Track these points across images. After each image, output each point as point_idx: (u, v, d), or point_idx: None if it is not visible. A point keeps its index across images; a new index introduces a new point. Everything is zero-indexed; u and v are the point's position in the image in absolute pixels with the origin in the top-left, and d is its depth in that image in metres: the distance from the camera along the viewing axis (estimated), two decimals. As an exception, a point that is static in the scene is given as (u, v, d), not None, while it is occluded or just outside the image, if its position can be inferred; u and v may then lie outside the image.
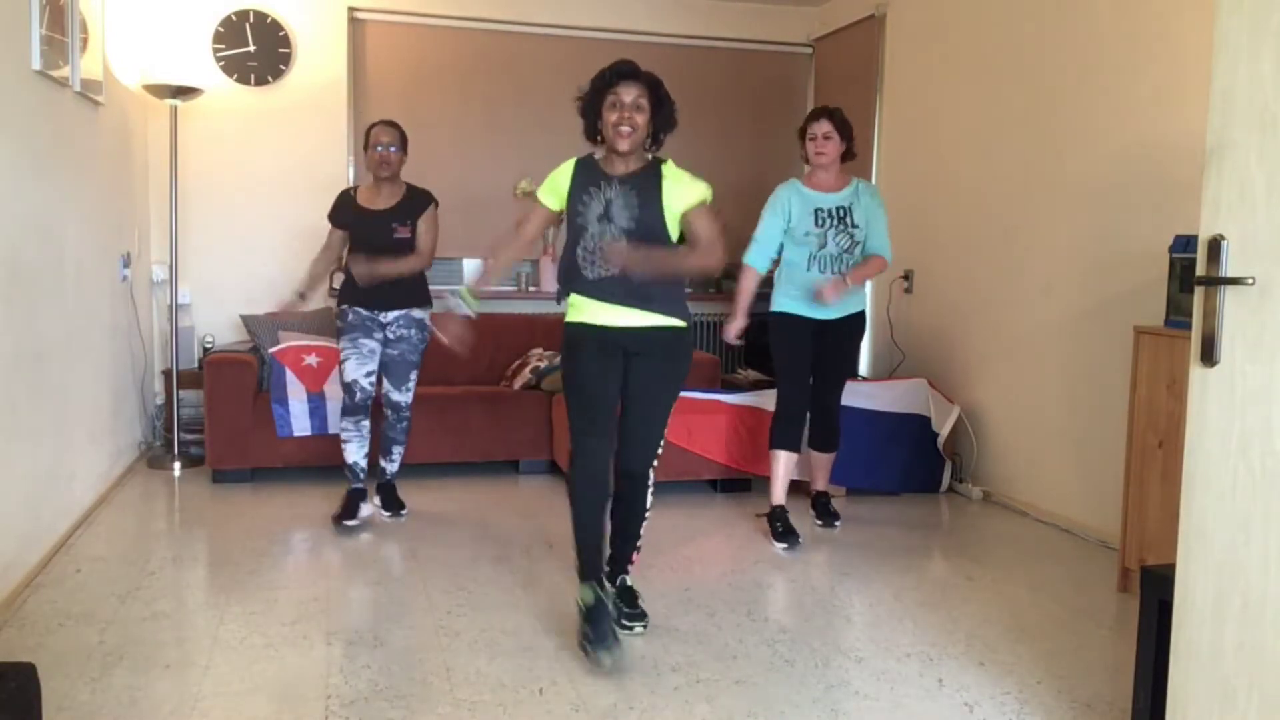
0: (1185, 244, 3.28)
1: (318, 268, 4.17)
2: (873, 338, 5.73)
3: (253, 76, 5.53)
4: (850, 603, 3.34)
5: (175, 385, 5.18)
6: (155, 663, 2.73)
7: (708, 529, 4.21)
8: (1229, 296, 1.87)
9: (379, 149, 4.02)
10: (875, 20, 5.67)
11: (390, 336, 4.11)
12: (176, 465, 4.96)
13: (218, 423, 4.65)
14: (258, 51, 5.52)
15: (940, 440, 4.78)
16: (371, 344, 4.09)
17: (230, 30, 5.47)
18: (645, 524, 3.14)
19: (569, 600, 3.29)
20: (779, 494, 4.15)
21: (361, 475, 4.15)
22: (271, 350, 4.85)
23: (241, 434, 4.67)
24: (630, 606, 3.08)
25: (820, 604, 3.32)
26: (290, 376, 4.76)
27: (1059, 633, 3.12)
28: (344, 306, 4.12)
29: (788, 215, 4.07)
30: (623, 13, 6.07)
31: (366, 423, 4.11)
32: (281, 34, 5.54)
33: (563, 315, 3.10)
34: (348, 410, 4.10)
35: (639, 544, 3.16)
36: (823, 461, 4.31)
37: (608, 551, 3.09)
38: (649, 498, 3.10)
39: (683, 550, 3.89)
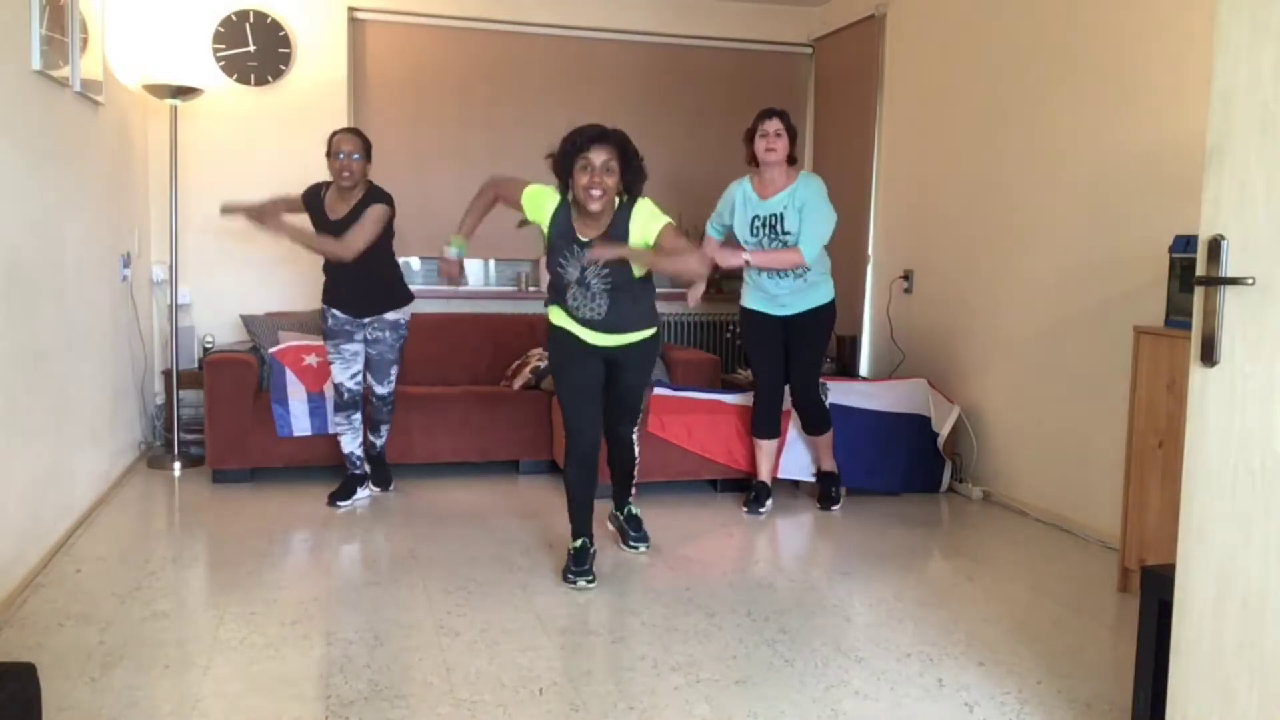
0: (1185, 244, 3.28)
1: (272, 204, 4.24)
2: (873, 338, 5.73)
3: (253, 76, 5.53)
4: (850, 603, 3.35)
5: (175, 385, 5.18)
6: (155, 663, 2.73)
7: (708, 529, 4.21)
8: (1229, 296, 1.87)
9: (340, 157, 4.10)
10: (875, 20, 5.67)
11: (368, 338, 4.36)
12: (176, 465, 4.96)
13: (218, 423, 4.65)
14: (258, 51, 5.52)
15: (940, 440, 4.78)
16: (353, 347, 4.35)
17: (230, 30, 5.47)
18: (636, 465, 3.79)
19: (569, 600, 3.30)
20: (762, 472, 4.52)
21: (359, 464, 4.48)
22: (271, 350, 4.85)
23: (241, 434, 4.67)
24: (635, 530, 3.77)
25: (820, 604, 3.32)
26: (290, 376, 4.76)
27: (1059, 633, 3.12)
28: (324, 307, 4.35)
29: (731, 206, 4.33)
30: (623, 13, 6.07)
31: (357, 415, 4.43)
32: (281, 34, 5.54)
33: None
34: (339, 407, 4.42)
35: (634, 485, 3.83)
36: (819, 442, 4.52)
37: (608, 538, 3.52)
38: (635, 448, 3.75)
39: (683, 550, 3.89)
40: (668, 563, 3.72)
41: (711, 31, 6.25)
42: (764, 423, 4.45)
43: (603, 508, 3.88)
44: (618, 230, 3.26)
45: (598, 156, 3.14)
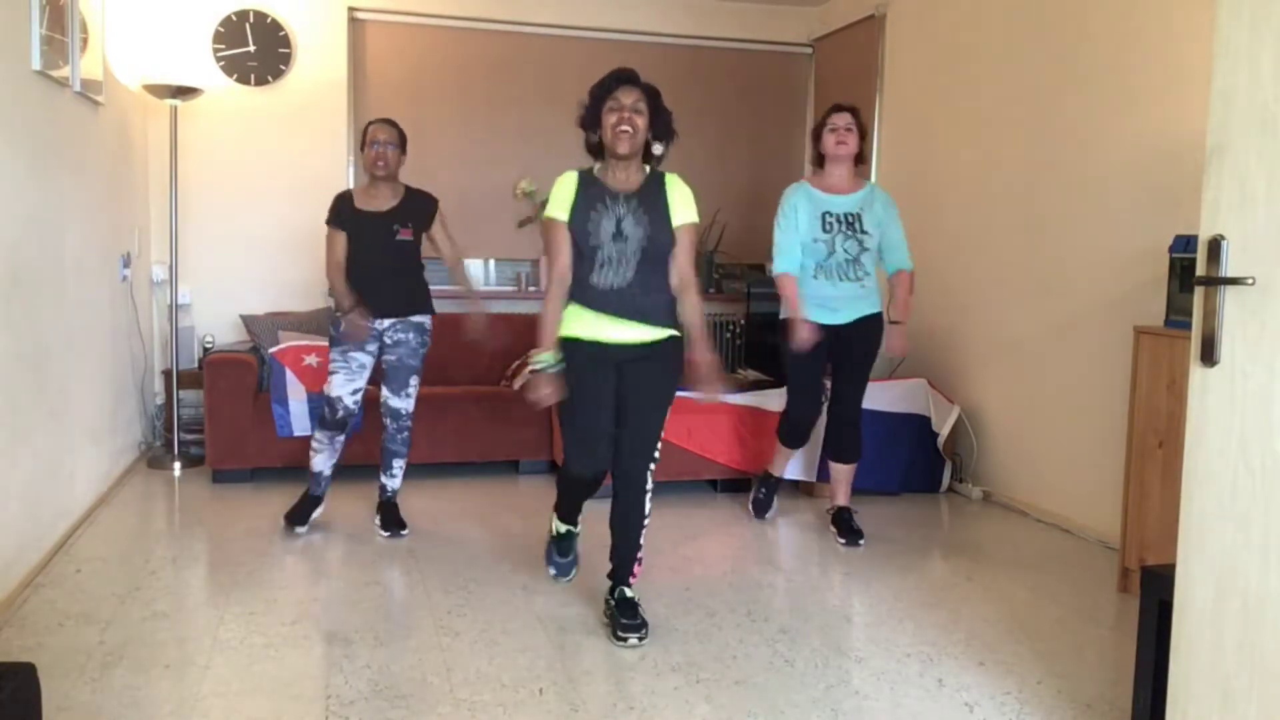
0: (1185, 244, 3.28)
1: (339, 282, 3.90)
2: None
3: (253, 76, 5.53)
4: (850, 603, 3.34)
5: (175, 385, 5.18)
6: (155, 663, 2.73)
7: (708, 529, 4.21)
8: (1229, 296, 1.87)
9: (376, 146, 3.86)
10: (875, 20, 5.67)
11: (387, 342, 3.94)
12: (176, 465, 4.96)
13: (218, 423, 4.65)
14: (258, 51, 5.52)
15: (940, 440, 4.78)
16: (363, 358, 3.90)
17: (230, 30, 5.47)
18: (645, 532, 3.10)
19: (569, 601, 3.30)
20: (778, 467, 4.34)
21: (324, 484, 4.02)
22: (271, 350, 4.85)
23: (241, 434, 4.67)
24: (628, 617, 2.98)
25: (820, 604, 3.32)
26: (290, 376, 4.76)
27: (1059, 633, 3.12)
28: (339, 314, 3.90)
29: (796, 220, 3.95)
30: (623, 13, 6.07)
31: (341, 438, 3.95)
32: (281, 34, 5.54)
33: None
34: (325, 424, 3.92)
35: (640, 554, 3.11)
36: (843, 474, 4.15)
37: (613, 557, 3.13)
38: (648, 504, 3.07)
39: (683, 550, 3.89)
40: (668, 563, 3.72)
41: (711, 31, 6.25)
42: (794, 437, 4.17)
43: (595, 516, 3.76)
44: (652, 186, 3.02)
45: (626, 97, 2.95)
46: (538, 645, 2.92)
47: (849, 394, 4.07)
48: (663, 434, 3.07)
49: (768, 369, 5.72)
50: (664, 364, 3.05)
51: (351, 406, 3.91)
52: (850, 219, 3.94)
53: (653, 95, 3.01)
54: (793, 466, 4.65)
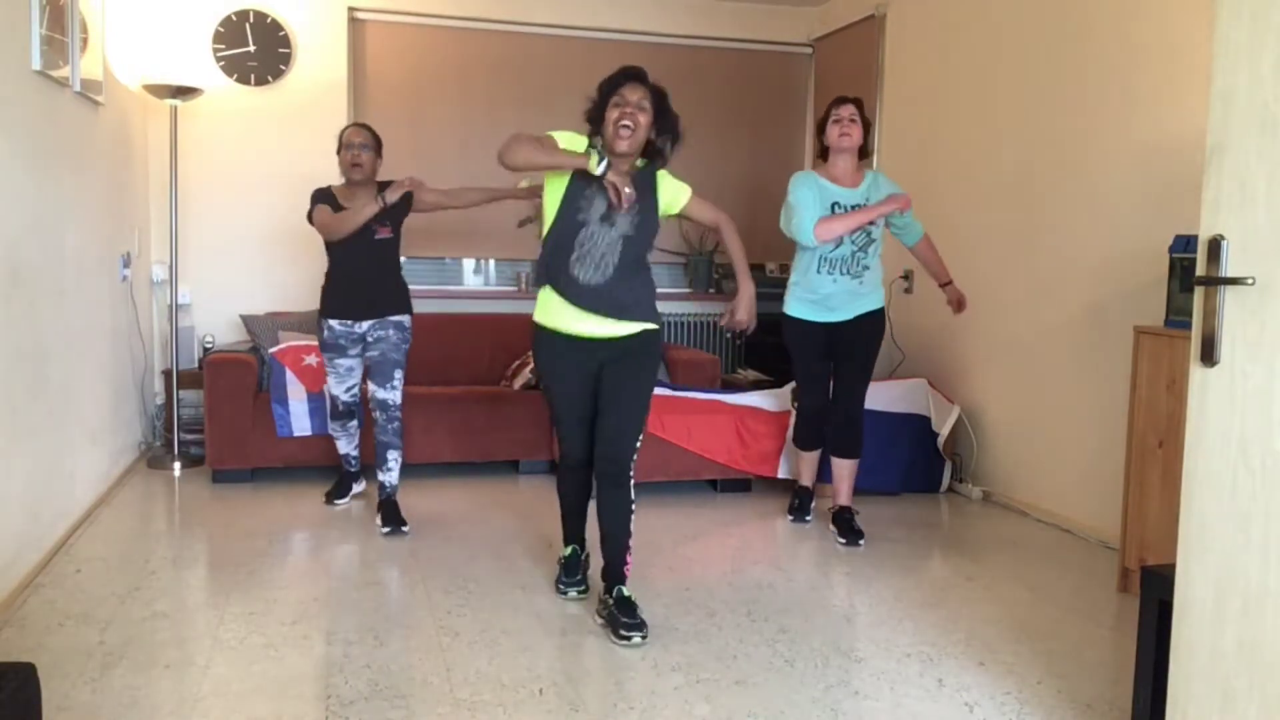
0: (1185, 244, 3.28)
1: (350, 215, 3.93)
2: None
3: (253, 76, 5.53)
4: (850, 603, 3.35)
5: (175, 385, 5.18)
6: (155, 663, 2.73)
7: (708, 529, 4.21)
8: (1229, 296, 1.87)
9: (351, 150, 4.01)
10: (875, 20, 5.67)
11: (369, 340, 4.10)
12: (176, 465, 4.96)
13: (218, 423, 4.65)
14: (258, 51, 5.52)
15: (940, 440, 4.78)
16: (349, 362, 4.17)
17: (230, 30, 5.47)
18: (632, 523, 3.12)
19: (569, 601, 3.30)
20: (804, 478, 4.38)
21: (354, 463, 4.44)
22: (271, 350, 4.85)
23: (241, 434, 4.67)
24: (628, 616, 2.97)
25: (820, 604, 3.32)
26: (290, 376, 4.76)
27: (1059, 633, 3.12)
28: (323, 320, 4.11)
29: (811, 191, 3.91)
30: (623, 13, 6.07)
31: (353, 423, 4.32)
32: (281, 34, 5.54)
33: None
34: (334, 416, 4.31)
35: (630, 549, 3.12)
36: (844, 471, 4.14)
37: (603, 558, 3.16)
38: (631, 494, 3.10)
39: (683, 550, 3.89)
40: (668, 563, 3.72)
41: (711, 31, 6.25)
42: (808, 437, 4.27)
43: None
44: (643, 184, 3.02)
45: (632, 94, 2.95)
46: (538, 645, 2.92)
47: (850, 391, 4.10)
48: (643, 428, 3.12)
49: (768, 369, 5.73)
50: (641, 358, 3.08)
51: (349, 400, 4.24)
52: (856, 209, 3.94)
53: (659, 95, 3.02)
54: (788, 466, 4.65)
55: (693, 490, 4.78)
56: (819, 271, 3.98)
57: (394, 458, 4.10)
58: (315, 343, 4.84)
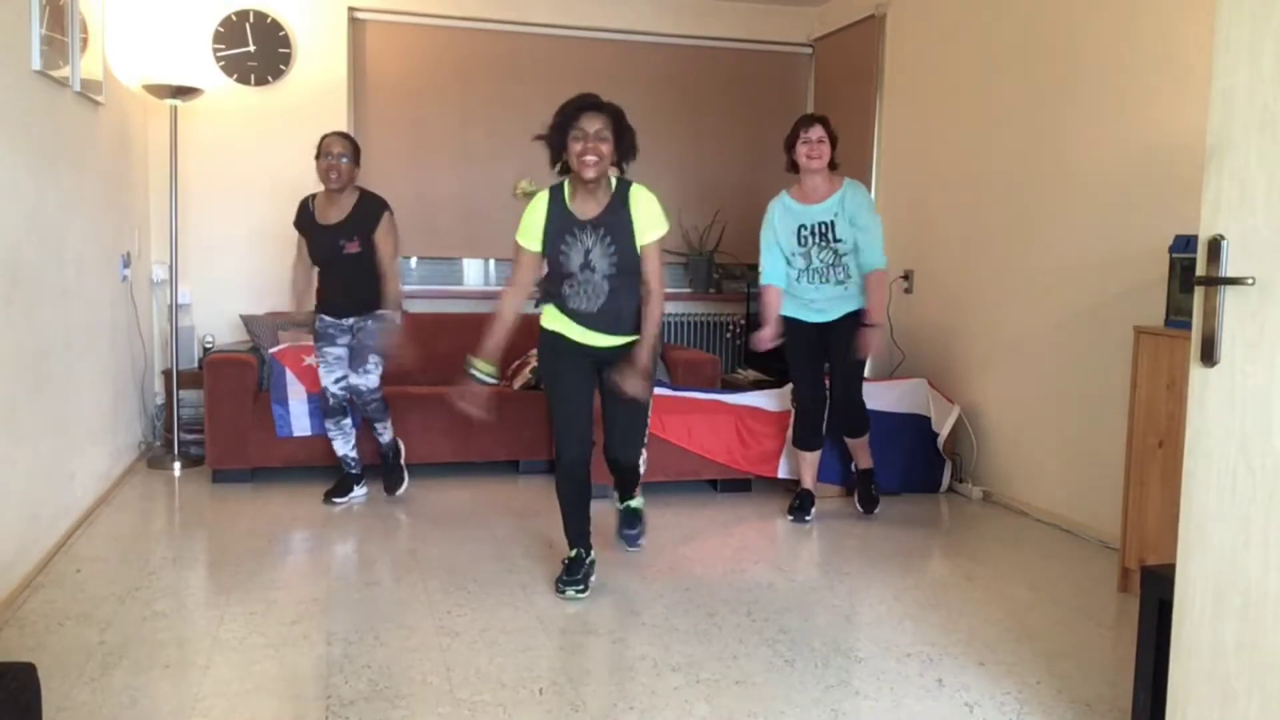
0: (1185, 244, 3.28)
1: (300, 282, 4.40)
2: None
3: (253, 76, 5.53)
4: (850, 603, 3.34)
5: (175, 385, 5.18)
6: (155, 663, 2.73)
7: (708, 529, 4.21)
8: (1229, 296, 1.87)
9: (328, 158, 4.13)
10: (875, 20, 5.67)
11: (353, 332, 4.32)
12: (176, 465, 4.96)
13: (218, 423, 4.65)
14: (258, 51, 5.52)
15: (940, 440, 4.78)
16: (337, 351, 4.32)
17: (230, 30, 5.47)
18: (641, 475, 3.52)
19: (569, 601, 3.30)
20: (805, 480, 4.42)
21: (354, 465, 4.46)
22: (271, 350, 4.85)
23: (241, 434, 4.67)
24: (630, 526, 3.54)
25: (820, 604, 3.32)
26: (290, 376, 4.76)
27: (1059, 633, 3.12)
28: (316, 314, 4.37)
29: (775, 235, 4.24)
30: (623, 13, 6.07)
31: (346, 420, 4.39)
32: (281, 34, 5.54)
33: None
34: (326, 413, 4.39)
35: (639, 482, 3.53)
36: (857, 444, 4.40)
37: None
38: (643, 465, 3.50)
39: (683, 550, 3.89)
40: (668, 563, 3.72)
41: (711, 31, 6.25)
42: (807, 434, 4.36)
43: (600, 514, 3.81)
44: (616, 208, 3.17)
45: (590, 124, 3.07)
46: (538, 645, 2.92)
47: (845, 383, 4.27)
48: (649, 424, 3.48)
49: (767, 369, 5.72)
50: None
51: (339, 393, 4.33)
52: (823, 228, 4.16)
53: (617, 118, 3.14)
54: (789, 466, 4.65)
55: (693, 490, 4.78)
56: (799, 280, 4.22)
57: (382, 426, 4.45)
58: (315, 343, 4.85)
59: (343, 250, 4.21)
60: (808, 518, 4.33)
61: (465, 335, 5.48)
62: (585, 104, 3.12)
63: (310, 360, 4.80)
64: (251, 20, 5.49)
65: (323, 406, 4.38)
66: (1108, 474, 3.97)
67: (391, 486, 4.54)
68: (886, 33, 5.60)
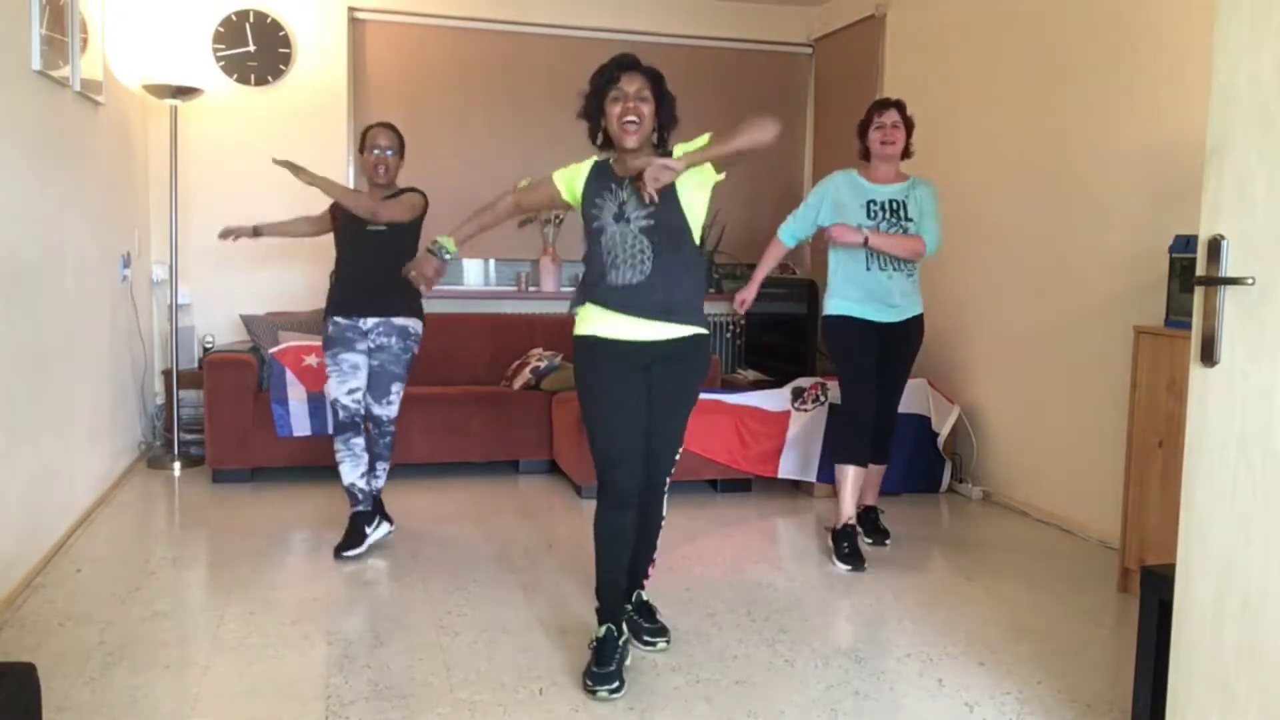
0: (1185, 244, 3.28)
1: (289, 226, 4.18)
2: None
3: (253, 76, 5.53)
4: (850, 603, 3.34)
5: (175, 385, 5.18)
6: (155, 663, 2.73)
7: (708, 529, 4.20)
8: (1229, 296, 1.87)
9: (375, 151, 3.78)
10: (875, 20, 5.67)
11: (371, 346, 3.82)
12: (176, 465, 4.96)
13: (218, 423, 4.65)
14: (258, 51, 5.52)
15: (940, 440, 4.78)
16: (354, 358, 3.80)
17: (230, 30, 5.47)
18: (660, 533, 3.00)
19: (569, 601, 3.30)
20: (848, 509, 3.84)
21: (361, 497, 3.84)
22: (271, 350, 4.85)
23: (241, 434, 4.67)
24: (650, 622, 2.97)
25: (820, 604, 3.32)
26: (290, 377, 4.76)
27: (1059, 633, 3.12)
28: (326, 318, 3.88)
29: (826, 201, 3.86)
30: (623, 13, 6.07)
31: (359, 440, 3.81)
32: (281, 34, 5.54)
33: (564, 316, 3.04)
34: (337, 430, 3.82)
35: (653, 561, 3.04)
36: (873, 474, 4.04)
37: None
38: (664, 506, 2.97)
39: (683, 550, 3.88)
40: (668, 563, 3.72)
41: (711, 31, 6.25)
42: (856, 447, 3.85)
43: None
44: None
45: (630, 84, 2.76)
46: (538, 645, 2.92)
47: (887, 394, 3.92)
48: (683, 441, 2.95)
49: (767, 369, 5.72)
50: (689, 365, 2.86)
51: (351, 406, 3.80)
52: (895, 205, 3.85)
53: (656, 80, 2.84)
54: (789, 466, 4.65)
55: (693, 490, 4.78)
56: (869, 269, 3.83)
57: (382, 468, 3.93)
58: (315, 343, 4.83)
59: (364, 228, 3.78)
60: (865, 565, 3.73)
61: (465, 335, 5.51)
62: (624, 63, 2.80)
63: (310, 360, 4.80)
64: (251, 20, 5.49)
65: (334, 423, 3.82)
66: (1108, 474, 3.97)
67: (385, 520, 3.96)
68: (886, 33, 5.60)
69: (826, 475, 4.58)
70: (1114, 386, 3.97)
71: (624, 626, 2.80)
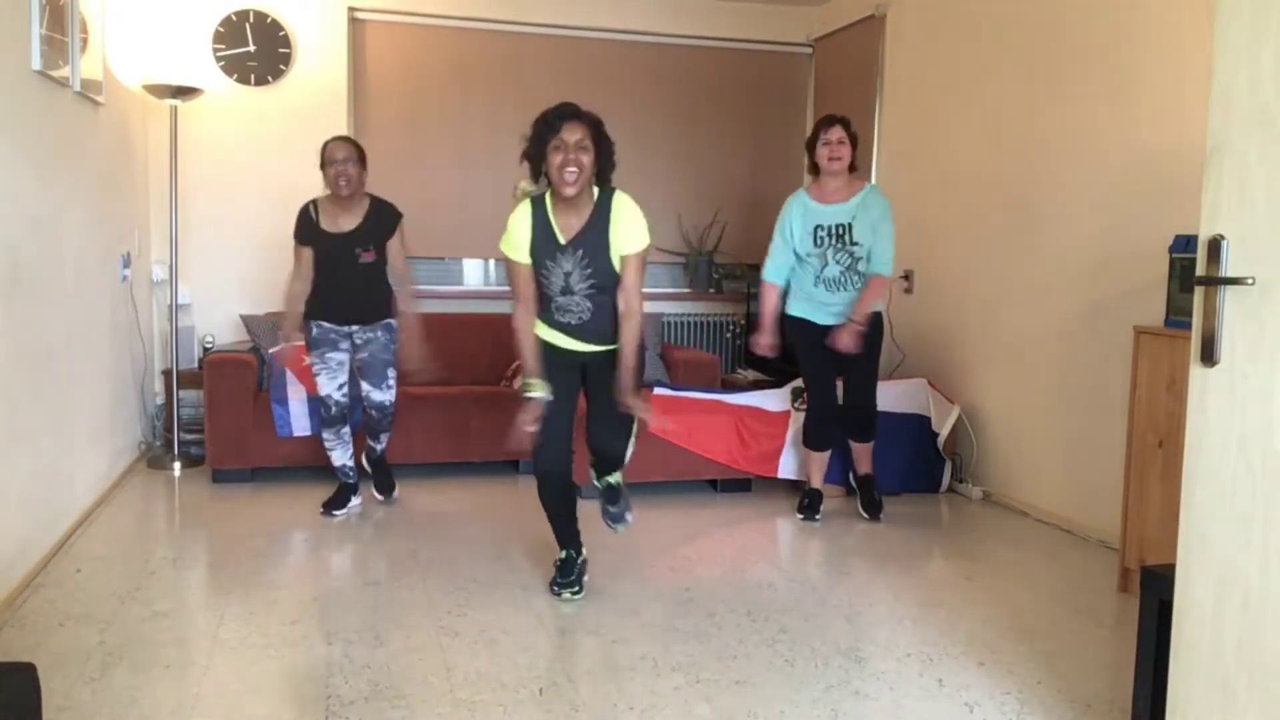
0: (1185, 244, 3.28)
1: (295, 301, 4.11)
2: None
3: (253, 76, 5.53)
4: (850, 603, 3.34)
5: (175, 385, 5.18)
6: (155, 663, 2.73)
7: (708, 529, 4.21)
8: (1229, 296, 1.87)
9: (335, 165, 3.94)
10: (875, 20, 5.67)
11: (357, 342, 4.15)
12: (176, 465, 4.96)
13: (218, 423, 4.65)
14: (258, 51, 5.52)
15: (940, 440, 4.78)
16: (339, 356, 4.14)
17: (230, 30, 5.46)
18: (628, 456, 3.38)
19: (565, 601, 3.30)
20: (814, 479, 4.39)
21: (351, 474, 4.29)
22: (271, 350, 4.85)
23: (241, 434, 4.67)
24: (612, 504, 3.38)
25: (820, 604, 3.32)
26: (290, 377, 4.76)
27: (1059, 633, 3.12)
28: (310, 321, 4.12)
29: (790, 234, 4.17)
30: (623, 13, 6.07)
31: (346, 429, 4.23)
32: (281, 34, 5.54)
33: None
34: (326, 423, 4.21)
35: (625, 461, 3.38)
36: (861, 449, 4.38)
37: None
38: (628, 455, 3.37)
39: (683, 550, 3.89)
40: (668, 563, 3.72)
41: (711, 31, 6.25)
42: (820, 436, 4.32)
43: (587, 512, 3.60)
44: (598, 222, 3.08)
45: (571, 135, 2.99)
46: (538, 645, 2.92)
47: (858, 385, 4.26)
48: (634, 425, 3.33)
49: (767, 369, 5.72)
50: (611, 366, 3.24)
51: (341, 400, 4.16)
52: (840, 230, 4.10)
53: (595, 127, 3.06)
54: (789, 466, 4.65)
55: (693, 490, 4.78)
56: (815, 285, 4.18)
57: (384, 437, 4.34)
58: (312, 350, 4.83)
59: (358, 259, 4.04)
60: (817, 516, 4.33)
61: (465, 335, 5.51)
62: (565, 113, 3.03)
63: (310, 360, 4.80)
64: (251, 20, 5.49)
65: (325, 415, 4.19)
66: (1108, 474, 3.97)
67: (389, 488, 4.45)
68: (886, 33, 5.60)
69: (827, 476, 4.58)
70: (1114, 386, 3.97)
71: (581, 549, 3.40)
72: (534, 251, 3.15)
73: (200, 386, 5.05)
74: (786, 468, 4.67)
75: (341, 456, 4.25)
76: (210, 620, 3.05)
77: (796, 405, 4.71)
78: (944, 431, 4.77)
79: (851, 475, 4.49)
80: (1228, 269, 1.86)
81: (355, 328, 4.14)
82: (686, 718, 2.49)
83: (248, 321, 5.15)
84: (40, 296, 3.49)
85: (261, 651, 2.82)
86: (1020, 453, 4.60)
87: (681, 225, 6.19)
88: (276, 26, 5.53)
